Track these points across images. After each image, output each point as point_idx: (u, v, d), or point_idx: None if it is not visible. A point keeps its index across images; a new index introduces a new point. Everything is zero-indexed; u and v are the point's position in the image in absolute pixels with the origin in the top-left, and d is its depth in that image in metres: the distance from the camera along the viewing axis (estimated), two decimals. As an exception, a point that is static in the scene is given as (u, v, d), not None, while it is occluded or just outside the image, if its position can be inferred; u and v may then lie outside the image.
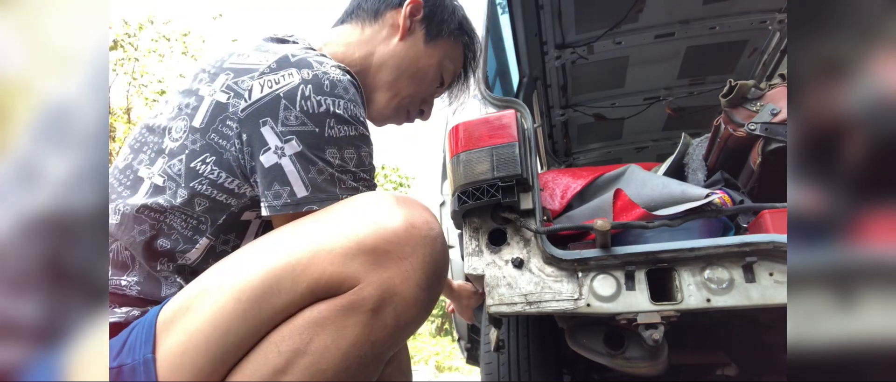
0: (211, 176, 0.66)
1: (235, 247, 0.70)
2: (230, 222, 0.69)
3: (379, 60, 0.85)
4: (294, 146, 0.63)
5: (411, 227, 0.56)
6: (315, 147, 0.63)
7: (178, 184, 0.66)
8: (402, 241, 0.55)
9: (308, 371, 0.52)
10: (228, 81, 0.67)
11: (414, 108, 0.92)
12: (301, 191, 0.62)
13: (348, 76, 0.70)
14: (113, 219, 0.68)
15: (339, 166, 0.65)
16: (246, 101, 0.65)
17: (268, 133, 0.63)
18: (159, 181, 0.67)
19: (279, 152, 0.63)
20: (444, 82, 0.94)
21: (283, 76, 0.65)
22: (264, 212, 0.64)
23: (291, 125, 0.63)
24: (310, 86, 0.64)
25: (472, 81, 0.99)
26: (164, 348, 0.54)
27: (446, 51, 0.90)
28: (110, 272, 0.67)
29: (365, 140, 0.68)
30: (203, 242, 0.67)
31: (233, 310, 0.53)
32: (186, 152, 0.67)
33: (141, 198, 0.66)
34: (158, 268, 0.68)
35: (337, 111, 0.65)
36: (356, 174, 0.66)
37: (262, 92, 0.64)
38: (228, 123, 0.65)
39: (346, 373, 0.53)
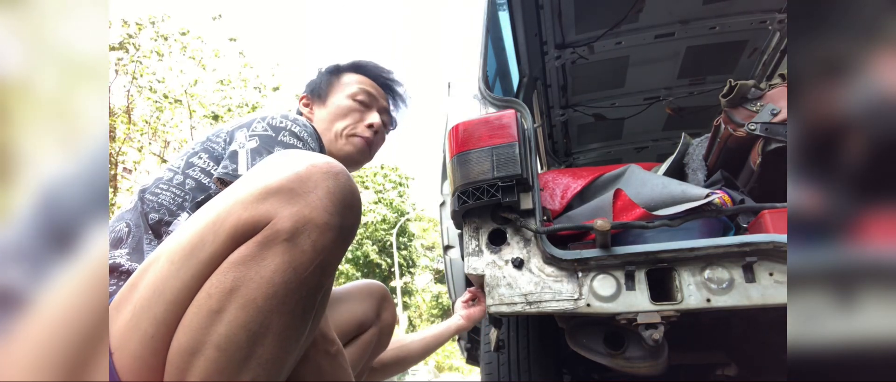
0: (202, 165, 0.91)
1: None
2: (206, 201, 0.84)
3: (320, 133, 1.10)
4: (253, 143, 0.87)
5: (312, 166, 0.62)
6: (267, 145, 0.86)
7: (175, 172, 0.90)
8: (305, 178, 0.60)
9: (240, 304, 0.56)
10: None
11: (359, 132, 1.14)
12: (242, 170, 0.84)
13: (312, 126, 0.97)
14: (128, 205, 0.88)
15: None
16: (236, 122, 0.93)
17: (240, 135, 0.90)
18: (169, 175, 0.90)
19: (242, 145, 0.87)
20: (365, 103, 1.15)
21: (266, 112, 0.94)
22: (216, 175, 0.86)
23: (257, 131, 0.89)
24: (279, 114, 0.92)
25: (391, 89, 1.22)
26: (117, 324, 0.59)
27: (337, 91, 1.16)
28: (111, 247, 0.81)
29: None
30: (183, 216, 0.86)
31: (166, 271, 0.59)
32: (189, 152, 0.92)
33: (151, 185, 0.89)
34: (147, 240, 0.83)
35: (293, 129, 0.91)
36: None
37: (249, 117, 0.93)
38: (221, 133, 0.94)
39: (275, 299, 0.57)
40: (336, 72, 1.20)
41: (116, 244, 0.82)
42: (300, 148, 0.89)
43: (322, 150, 0.97)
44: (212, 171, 0.90)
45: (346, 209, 0.63)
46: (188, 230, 0.61)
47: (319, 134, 1.05)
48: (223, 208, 0.60)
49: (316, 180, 0.60)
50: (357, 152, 1.14)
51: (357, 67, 1.20)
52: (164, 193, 0.87)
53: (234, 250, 0.58)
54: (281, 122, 0.91)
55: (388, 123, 1.23)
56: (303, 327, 0.62)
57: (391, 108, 1.24)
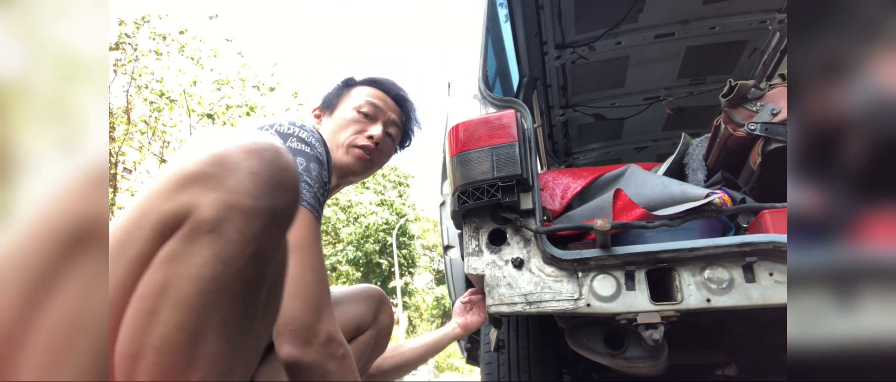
0: None
1: None
2: None
3: (325, 139, 1.10)
4: None
5: (233, 147, 0.58)
6: None
7: None
8: (223, 160, 0.56)
9: (172, 304, 0.53)
10: None
11: (359, 143, 1.14)
12: None
13: (319, 133, 0.96)
14: None
15: None
16: None
17: None
18: None
19: None
20: (369, 115, 1.16)
21: (275, 120, 0.93)
22: None
23: None
24: (288, 122, 0.92)
25: (403, 104, 1.22)
26: None
27: (344, 104, 1.18)
28: None
29: (315, 159, 0.89)
30: None
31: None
32: None
33: None
34: None
35: (300, 135, 0.90)
36: (299, 175, 0.85)
37: (258, 125, 0.92)
38: None
39: (207, 295, 0.54)
40: (348, 85, 1.21)
41: None
42: (308, 153, 0.89)
43: (328, 157, 0.96)
44: None
45: (275, 189, 0.58)
46: (116, 228, 0.58)
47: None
48: (145, 201, 0.57)
49: (236, 160, 0.56)
50: (355, 163, 1.13)
51: (371, 82, 1.21)
52: None
53: (162, 244, 0.55)
54: (289, 128, 0.91)
55: (397, 137, 1.21)
56: (247, 321, 0.59)
57: (405, 121, 1.23)
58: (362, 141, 1.13)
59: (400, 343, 1.34)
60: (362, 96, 1.17)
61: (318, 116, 1.22)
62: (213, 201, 0.54)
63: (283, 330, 0.76)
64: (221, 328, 0.55)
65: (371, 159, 1.15)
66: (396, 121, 1.19)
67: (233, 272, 0.55)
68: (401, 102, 1.21)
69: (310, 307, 0.77)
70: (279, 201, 0.59)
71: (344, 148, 1.13)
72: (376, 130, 1.14)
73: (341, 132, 1.13)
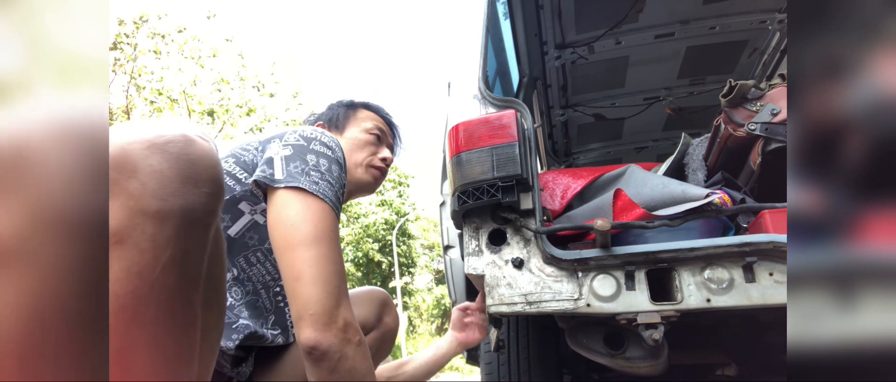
0: (229, 169, 0.95)
1: (226, 228, 0.92)
2: (228, 203, 0.93)
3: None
4: (287, 151, 0.90)
5: (129, 144, 0.50)
6: (300, 153, 0.90)
7: None
8: (121, 162, 0.49)
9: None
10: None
11: (376, 164, 1.24)
12: (278, 175, 0.86)
13: (337, 140, 1.00)
14: None
15: (313, 167, 0.89)
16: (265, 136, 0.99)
17: (274, 145, 0.93)
18: None
19: (277, 153, 0.90)
20: (379, 138, 1.26)
21: (298, 127, 0.98)
22: (253, 177, 0.89)
23: (289, 142, 0.92)
24: (310, 129, 0.96)
25: (376, 118, 1.31)
26: None
27: (351, 123, 1.26)
28: None
29: (336, 162, 0.93)
30: None
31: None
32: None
33: None
34: None
35: (323, 139, 0.94)
36: (322, 175, 0.89)
37: (282, 130, 0.97)
38: (253, 143, 0.98)
39: (126, 312, 0.48)
40: (352, 106, 1.31)
41: None
42: (330, 156, 0.92)
43: (345, 163, 1.00)
44: (238, 175, 0.95)
45: (185, 185, 0.52)
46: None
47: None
48: None
49: (134, 160, 0.49)
50: (375, 181, 1.25)
51: (368, 106, 1.32)
52: None
53: None
54: (312, 134, 0.95)
55: (390, 160, 1.36)
56: (182, 329, 0.54)
57: (394, 145, 1.38)
58: (378, 162, 1.25)
59: (401, 361, 1.35)
60: (369, 120, 1.28)
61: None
62: (114, 210, 0.48)
63: (303, 315, 0.78)
64: (148, 344, 0.50)
65: (383, 177, 1.28)
66: (392, 145, 1.34)
67: (152, 284, 0.49)
68: (393, 128, 1.34)
69: (330, 294, 0.79)
70: (191, 197, 0.52)
71: (363, 167, 1.22)
72: (387, 152, 1.26)
73: (358, 152, 1.23)
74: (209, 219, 0.55)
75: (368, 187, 1.25)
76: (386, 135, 1.30)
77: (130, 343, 0.49)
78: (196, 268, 0.55)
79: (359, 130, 1.25)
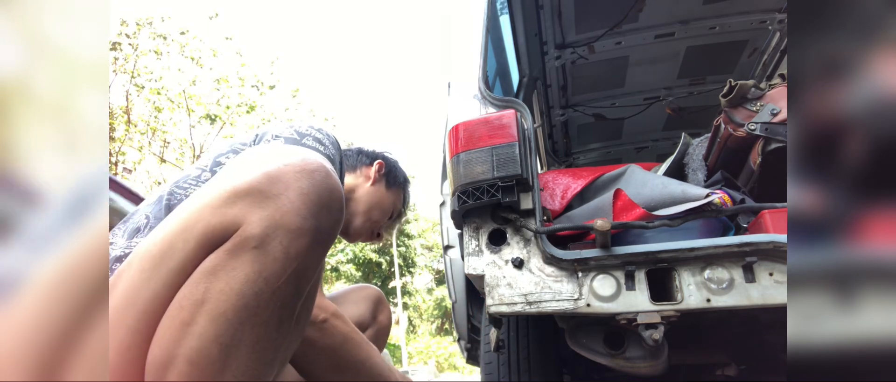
0: (226, 163, 0.95)
1: None
2: None
3: (357, 196, 1.23)
4: (282, 141, 0.91)
5: (284, 165, 0.59)
6: (294, 143, 0.90)
7: (203, 170, 0.91)
8: (275, 179, 0.57)
9: (209, 316, 0.54)
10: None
11: (376, 230, 1.27)
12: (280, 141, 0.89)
13: (334, 136, 1.01)
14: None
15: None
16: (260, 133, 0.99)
17: (267, 137, 0.93)
18: (197, 173, 0.92)
19: (269, 143, 0.90)
20: (393, 216, 1.30)
21: (295, 122, 0.99)
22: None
23: (283, 135, 0.93)
24: (306, 123, 0.96)
25: (403, 214, 1.38)
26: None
27: (397, 194, 1.29)
28: (127, 236, 0.80)
29: (327, 158, 0.90)
30: None
31: (138, 280, 0.57)
32: (217, 153, 0.95)
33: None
34: None
35: (316, 135, 0.94)
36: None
37: (277, 124, 0.98)
38: (249, 137, 0.97)
39: (246, 311, 0.55)
40: (406, 181, 1.36)
41: (133, 234, 0.82)
42: (321, 152, 0.91)
43: (341, 157, 0.99)
44: None
45: (322, 211, 0.59)
46: (158, 236, 0.59)
47: (346, 193, 1.13)
48: (193, 213, 0.58)
49: (287, 180, 0.58)
50: (368, 241, 1.30)
51: (407, 193, 1.37)
52: (191, 187, 0.88)
53: (205, 256, 0.56)
54: (307, 129, 0.96)
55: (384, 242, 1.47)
56: (278, 337, 0.60)
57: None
58: (383, 233, 1.32)
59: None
60: (401, 200, 1.33)
61: (375, 178, 1.31)
62: (261, 218, 0.55)
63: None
64: (255, 343, 0.56)
65: (373, 243, 1.34)
66: (390, 227, 1.40)
67: (273, 290, 0.56)
68: (400, 217, 1.38)
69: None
70: (325, 221, 0.60)
71: (371, 224, 1.26)
72: (388, 230, 1.32)
73: (375, 212, 1.24)
74: (330, 242, 0.63)
75: (362, 241, 1.29)
76: (396, 218, 1.36)
77: (238, 340, 0.55)
78: (307, 284, 0.61)
79: (392, 199, 1.28)
